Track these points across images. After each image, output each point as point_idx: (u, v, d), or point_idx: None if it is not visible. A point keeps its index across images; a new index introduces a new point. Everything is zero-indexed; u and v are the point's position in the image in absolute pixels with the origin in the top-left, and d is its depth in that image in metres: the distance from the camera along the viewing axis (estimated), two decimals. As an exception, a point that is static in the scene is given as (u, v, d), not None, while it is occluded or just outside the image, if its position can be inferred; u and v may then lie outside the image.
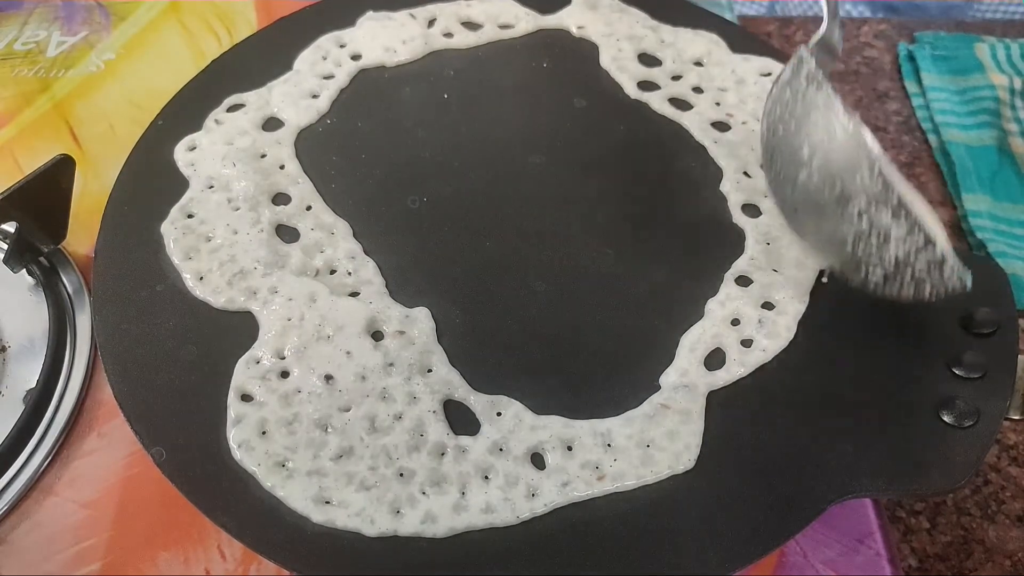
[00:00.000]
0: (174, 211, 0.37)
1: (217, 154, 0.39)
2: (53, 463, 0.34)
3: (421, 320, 0.34)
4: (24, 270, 0.39)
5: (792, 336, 0.34)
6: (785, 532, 0.29)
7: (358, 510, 0.29)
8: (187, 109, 0.41)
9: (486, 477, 0.30)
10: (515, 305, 0.35)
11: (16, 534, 0.32)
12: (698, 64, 0.45)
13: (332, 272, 0.36)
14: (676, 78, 0.44)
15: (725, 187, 0.40)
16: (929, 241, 0.28)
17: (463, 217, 0.39)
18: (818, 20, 0.58)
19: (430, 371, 0.33)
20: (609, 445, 0.31)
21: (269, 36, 0.45)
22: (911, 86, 0.56)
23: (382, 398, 0.31)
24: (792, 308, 0.35)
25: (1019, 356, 0.33)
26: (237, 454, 0.30)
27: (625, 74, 0.44)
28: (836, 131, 0.27)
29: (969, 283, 0.29)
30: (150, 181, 0.38)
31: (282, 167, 0.39)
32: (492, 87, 0.44)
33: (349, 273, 0.35)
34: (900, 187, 0.28)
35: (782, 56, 0.45)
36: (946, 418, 0.31)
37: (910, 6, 0.64)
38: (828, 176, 0.28)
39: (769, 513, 0.29)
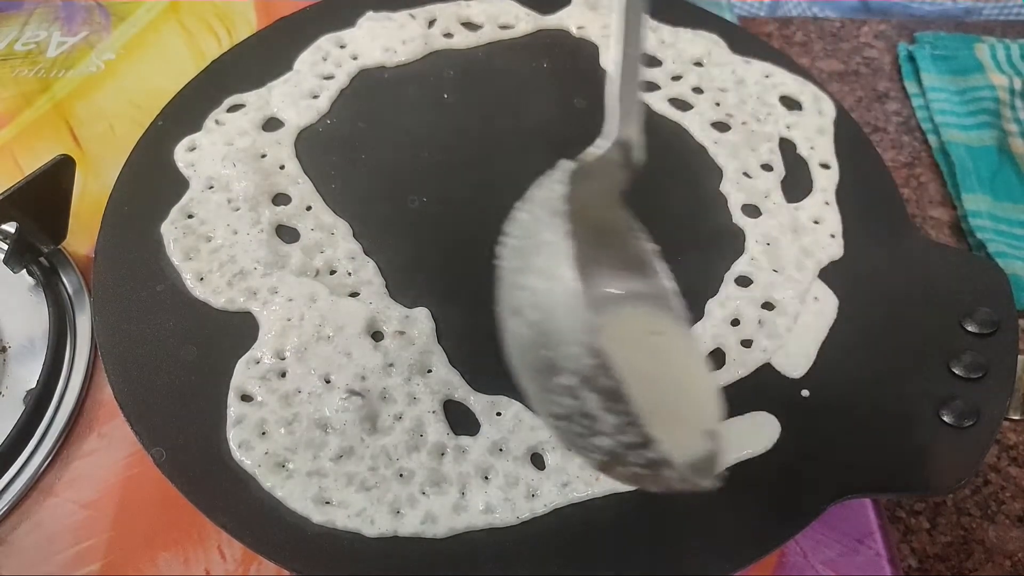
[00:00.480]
0: (174, 211, 0.37)
1: (217, 154, 0.39)
2: (53, 463, 0.34)
3: (421, 320, 0.34)
4: (24, 270, 0.39)
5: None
6: (785, 532, 0.29)
7: (358, 510, 0.29)
8: (187, 109, 0.41)
9: (486, 477, 0.30)
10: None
11: (16, 534, 0.32)
12: (698, 64, 0.45)
13: (332, 272, 0.36)
14: (676, 78, 0.44)
15: (725, 187, 0.40)
16: (648, 440, 0.21)
17: (463, 217, 0.39)
18: (819, 22, 0.57)
19: (430, 371, 0.32)
20: (609, 445, 0.31)
21: (269, 36, 0.45)
22: (911, 86, 0.56)
23: (382, 398, 0.31)
24: (792, 308, 0.35)
25: (1019, 356, 0.33)
26: (237, 454, 0.30)
27: (625, 74, 0.44)
28: (556, 284, 0.21)
29: (713, 485, 0.24)
30: (150, 181, 0.38)
31: (282, 167, 0.39)
32: (492, 87, 0.44)
33: (349, 273, 0.35)
34: (639, 365, 0.22)
35: (782, 57, 0.46)
36: (946, 418, 0.31)
37: (902, 7, 0.64)
38: (541, 336, 0.22)
39: (769, 513, 0.29)
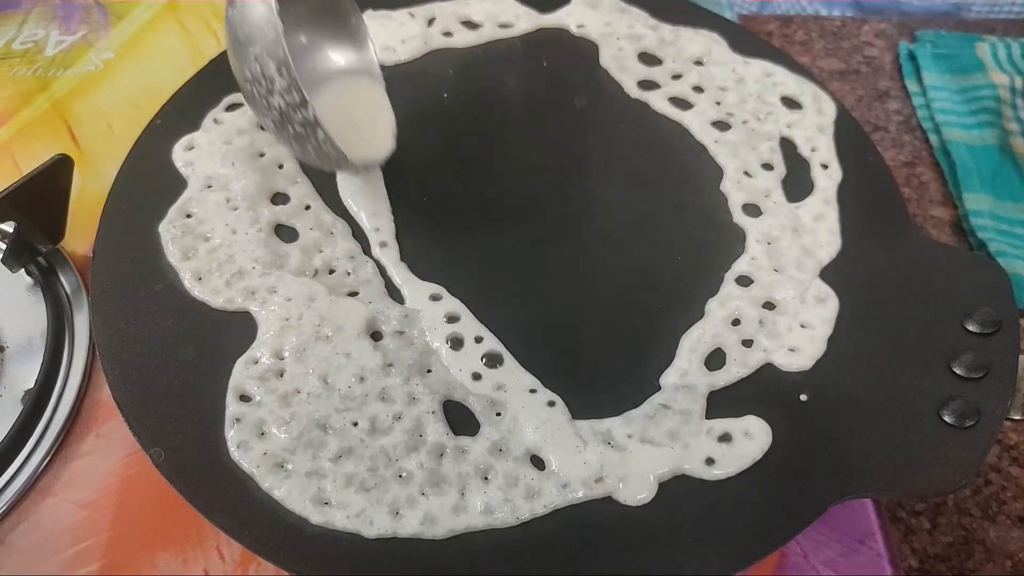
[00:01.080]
0: (172, 211, 0.37)
1: (215, 153, 0.39)
2: (51, 463, 0.34)
3: (421, 320, 0.34)
4: (23, 270, 0.38)
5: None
6: (786, 532, 0.29)
7: (357, 511, 0.29)
8: (185, 108, 0.41)
9: (486, 478, 0.30)
10: (514, 305, 0.35)
11: (15, 535, 0.32)
12: (698, 63, 0.45)
13: (331, 272, 0.35)
14: (676, 77, 0.44)
15: (726, 187, 0.40)
16: (305, 101, 0.31)
17: (462, 217, 0.38)
18: (819, 21, 0.58)
19: (429, 371, 0.32)
20: (609, 444, 0.31)
21: (268, 35, 0.45)
22: (912, 85, 0.56)
23: (381, 399, 0.31)
24: (793, 308, 0.35)
25: (1020, 356, 0.33)
26: (235, 455, 0.30)
27: (625, 73, 0.44)
28: None
29: (354, 159, 0.34)
30: (148, 181, 0.38)
31: (280, 166, 0.39)
32: (492, 87, 0.44)
33: (348, 273, 0.35)
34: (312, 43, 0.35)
35: (782, 55, 0.45)
36: (947, 418, 0.31)
37: (894, 6, 0.63)
38: (241, 16, 0.31)
39: (769, 513, 0.29)
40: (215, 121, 0.40)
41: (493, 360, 0.33)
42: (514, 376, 0.32)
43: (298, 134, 0.33)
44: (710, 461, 0.30)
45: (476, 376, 0.32)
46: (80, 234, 0.40)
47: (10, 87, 0.48)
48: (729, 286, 0.36)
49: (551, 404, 0.32)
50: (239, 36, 0.32)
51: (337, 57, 0.39)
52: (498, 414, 0.31)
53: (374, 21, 0.45)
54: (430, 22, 0.46)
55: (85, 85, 0.49)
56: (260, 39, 0.31)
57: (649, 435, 0.31)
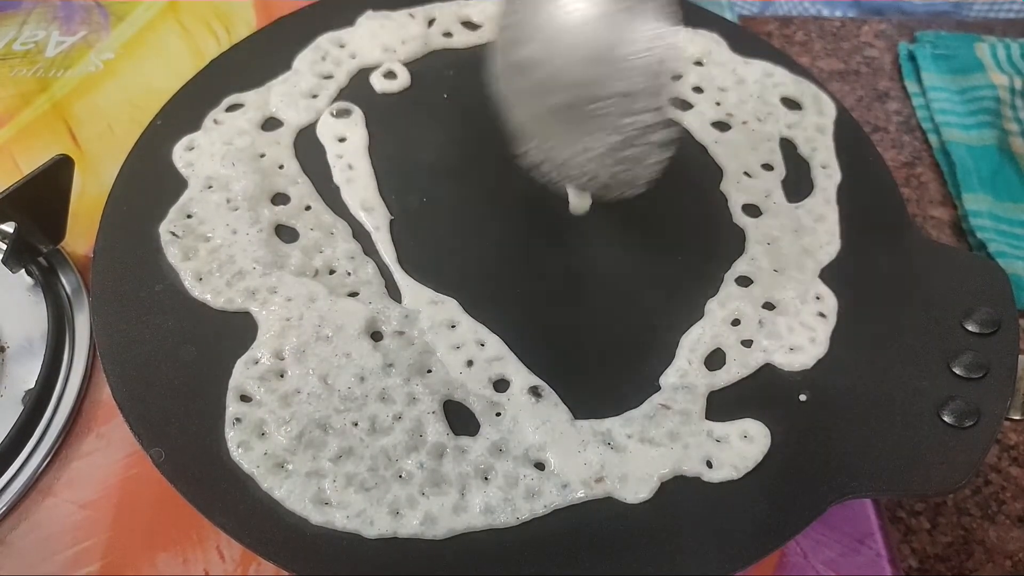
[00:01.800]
0: (173, 211, 0.37)
1: (216, 154, 0.39)
2: (52, 464, 0.34)
3: (421, 320, 0.34)
4: (23, 270, 0.39)
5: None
6: (785, 532, 0.29)
7: (357, 511, 0.29)
8: (186, 109, 0.41)
9: (486, 478, 0.30)
10: (515, 305, 0.35)
11: (15, 535, 0.32)
12: (698, 64, 0.45)
13: (331, 272, 0.35)
14: (676, 78, 0.44)
15: (726, 187, 0.40)
16: (665, 124, 0.31)
17: (462, 217, 0.39)
18: (819, 21, 0.58)
19: (430, 371, 0.32)
20: (609, 445, 0.31)
21: (268, 36, 0.45)
22: (911, 86, 0.56)
23: (381, 399, 0.31)
24: (793, 308, 0.35)
25: (1020, 356, 0.33)
26: (236, 455, 0.30)
27: (625, 74, 0.44)
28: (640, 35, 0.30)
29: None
30: (149, 181, 0.38)
31: (281, 167, 0.39)
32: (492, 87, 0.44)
33: (348, 273, 0.35)
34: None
35: (782, 56, 0.45)
36: (946, 418, 0.31)
37: (894, 7, 0.64)
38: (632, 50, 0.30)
39: (769, 513, 0.29)
40: (215, 121, 0.40)
41: (493, 360, 0.33)
42: (514, 376, 0.32)
43: (632, 156, 0.32)
44: (710, 461, 0.30)
45: (476, 376, 0.32)
46: (80, 234, 0.40)
47: (10, 88, 0.48)
48: (729, 286, 0.36)
49: (551, 404, 0.32)
50: (616, 55, 0.30)
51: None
52: (498, 414, 0.31)
53: (374, 22, 0.45)
54: (430, 23, 0.46)
55: (85, 86, 0.49)
56: (645, 74, 0.30)
57: (649, 435, 0.31)
